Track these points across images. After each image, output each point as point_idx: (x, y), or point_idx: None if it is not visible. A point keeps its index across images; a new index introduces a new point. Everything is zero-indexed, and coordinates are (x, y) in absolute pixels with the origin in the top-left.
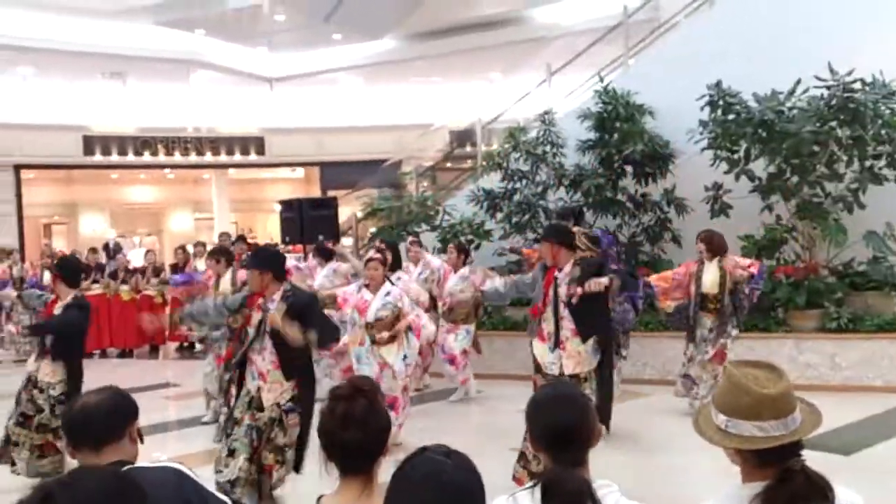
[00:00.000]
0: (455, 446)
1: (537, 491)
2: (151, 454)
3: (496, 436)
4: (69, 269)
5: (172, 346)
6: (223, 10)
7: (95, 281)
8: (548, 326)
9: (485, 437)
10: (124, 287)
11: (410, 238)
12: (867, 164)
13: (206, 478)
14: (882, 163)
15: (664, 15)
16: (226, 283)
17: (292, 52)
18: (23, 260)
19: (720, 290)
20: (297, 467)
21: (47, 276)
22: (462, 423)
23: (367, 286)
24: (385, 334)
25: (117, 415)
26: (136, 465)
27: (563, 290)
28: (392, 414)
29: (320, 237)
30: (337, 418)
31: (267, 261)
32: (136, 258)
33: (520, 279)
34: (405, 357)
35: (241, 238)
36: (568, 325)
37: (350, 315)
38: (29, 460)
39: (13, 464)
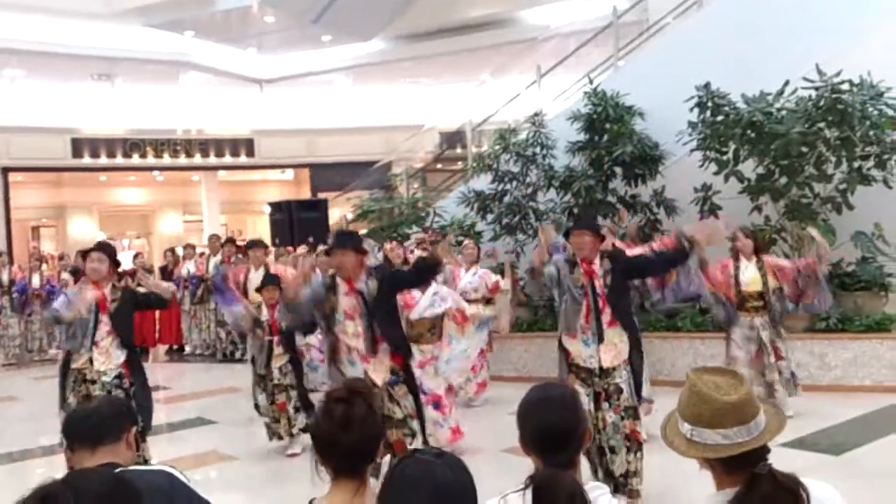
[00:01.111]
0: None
1: (528, 493)
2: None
3: (489, 438)
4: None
5: (162, 348)
6: (213, 12)
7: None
8: (585, 321)
9: (478, 438)
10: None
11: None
12: (855, 164)
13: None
14: (870, 163)
15: (653, 17)
16: (258, 275)
17: (282, 53)
18: (11, 263)
19: (764, 287)
20: (422, 427)
21: (36, 280)
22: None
23: None
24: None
25: (117, 416)
26: (127, 468)
27: (598, 283)
28: (437, 413)
29: (310, 239)
30: (336, 420)
31: (355, 240)
32: (125, 261)
33: (550, 280)
34: (466, 349)
35: (230, 241)
36: (607, 317)
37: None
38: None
39: None
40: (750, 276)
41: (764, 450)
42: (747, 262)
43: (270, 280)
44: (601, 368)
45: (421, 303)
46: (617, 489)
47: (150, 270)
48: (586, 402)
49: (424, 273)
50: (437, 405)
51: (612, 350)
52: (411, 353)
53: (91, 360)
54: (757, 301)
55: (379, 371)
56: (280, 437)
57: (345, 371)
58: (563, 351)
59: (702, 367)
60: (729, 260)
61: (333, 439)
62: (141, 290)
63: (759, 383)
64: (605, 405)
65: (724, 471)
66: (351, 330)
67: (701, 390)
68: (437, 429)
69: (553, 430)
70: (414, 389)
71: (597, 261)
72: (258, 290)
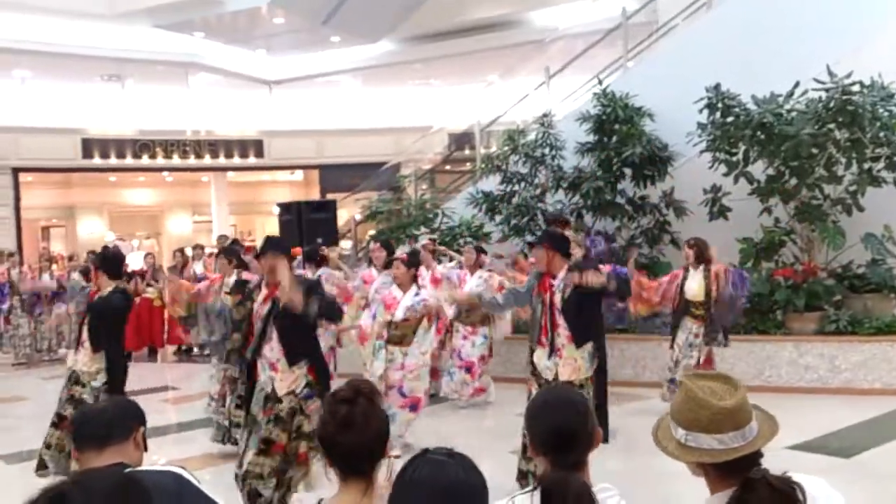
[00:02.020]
0: (456, 448)
1: (537, 495)
2: (150, 457)
3: (497, 438)
4: (110, 262)
5: (171, 349)
6: (222, 13)
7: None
8: (543, 334)
9: (485, 439)
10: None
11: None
12: (865, 166)
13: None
14: (880, 165)
15: (662, 18)
16: (229, 284)
17: (291, 54)
18: (21, 263)
19: (706, 297)
20: None
21: (46, 279)
22: (463, 426)
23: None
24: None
25: (125, 416)
26: (135, 468)
27: (557, 298)
28: (412, 414)
29: (318, 240)
30: (339, 421)
31: (285, 248)
32: (134, 261)
33: (515, 289)
34: (423, 349)
35: (235, 241)
36: (563, 332)
37: (375, 308)
38: (58, 460)
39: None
40: (695, 285)
41: (757, 454)
42: (694, 271)
43: (243, 284)
44: (557, 380)
45: (402, 303)
46: None
47: (159, 270)
48: None
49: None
50: (414, 407)
51: (571, 364)
52: (325, 366)
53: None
54: (699, 309)
55: (286, 381)
56: (235, 442)
57: (258, 376)
58: (532, 362)
59: (696, 373)
60: (680, 270)
61: (337, 440)
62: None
63: (670, 389)
64: None
65: (718, 476)
66: (265, 336)
67: (697, 395)
68: (409, 428)
69: (560, 432)
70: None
71: (560, 274)
72: (229, 293)
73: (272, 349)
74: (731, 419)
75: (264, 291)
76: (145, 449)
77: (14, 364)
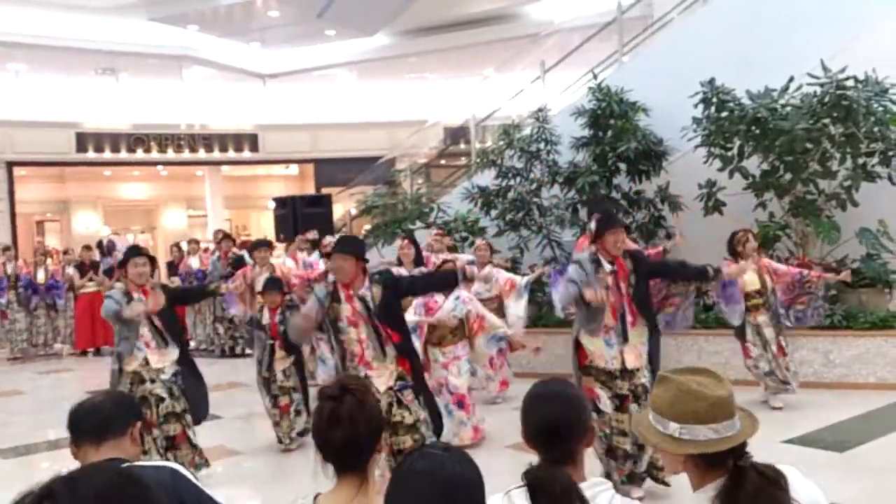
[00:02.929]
0: (454, 443)
1: None
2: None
3: (494, 433)
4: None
5: None
6: (216, 6)
7: (90, 279)
8: (610, 321)
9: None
10: (119, 285)
11: (479, 242)
12: (860, 161)
13: (203, 476)
14: (875, 160)
15: (658, 12)
16: (260, 281)
17: (285, 48)
18: (16, 258)
19: (762, 285)
20: (437, 432)
21: (41, 274)
22: None
23: None
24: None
25: (122, 411)
26: (132, 463)
27: (625, 284)
28: (462, 413)
29: (313, 232)
30: (325, 418)
31: (357, 247)
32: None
33: (577, 278)
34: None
35: (227, 236)
36: (629, 318)
37: (415, 310)
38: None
39: None
40: (749, 279)
41: (744, 445)
42: (745, 262)
43: (273, 284)
44: (624, 370)
45: (445, 307)
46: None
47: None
48: (608, 405)
49: (437, 286)
50: (462, 404)
51: (634, 351)
52: (418, 356)
53: (146, 360)
54: (756, 299)
55: (383, 377)
56: (278, 440)
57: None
58: (578, 353)
59: (678, 368)
60: (730, 260)
61: (325, 436)
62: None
63: (772, 379)
64: (634, 406)
65: (706, 468)
66: (354, 336)
67: (691, 388)
68: (462, 428)
69: (550, 425)
70: (426, 393)
71: (624, 262)
72: (260, 293)
73: (367, 347)
74: (724, 409)
75: (342, 292)
76: (142, 444)
77: (10, 359)
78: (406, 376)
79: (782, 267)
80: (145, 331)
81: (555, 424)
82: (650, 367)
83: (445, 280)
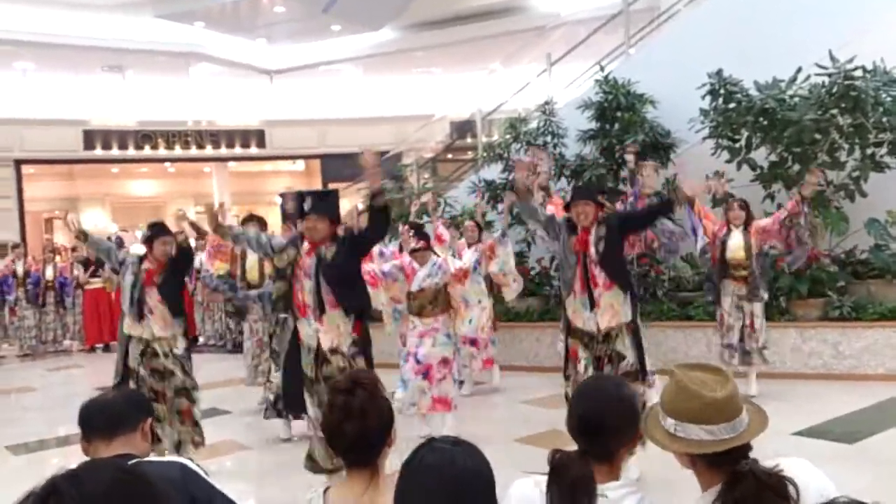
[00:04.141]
0: (462, 436)
1: None
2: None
3: (502, 427)
4: None
5: None
6: (223, 3)
7: (96, 275)
8: (580, 286)
9: (490, 428)
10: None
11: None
12: (868, 151)
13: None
14: (883, 150)
15: (664, 3)
16: (253, 257)
17: (292, 44)
18: (25, 255)
19: (746, 255)
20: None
21: (50, 272)
22: (469, 414)
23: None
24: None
25: (133, 406)
26: (141, 459)
27: (592, 251)
28: (424, 382)
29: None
30: (336, 412)
31: (332, 208)
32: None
33: (540, 209)
34: (470, 321)
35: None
36: (600, 281)
37: (391, 269)
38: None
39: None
40: (736, 242)
41: (747, 447)
42: (735, 230)
43: None
44: (601, 333)
45: (419, 273)
46: None
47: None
48: (583, 367)
49: (378, 227)
50: (426, 375)
51: (609, 311)
52: (369, 319)
53: (153, 333)
54: (740, 270)
55: (329, 334)
56: (281, 415)
57: (301, 327)
58: (565, 314)
59: (688, 363)
60: (722, 225)
61: (337, 430)
62: None
63: (734, 351)
64: (607, 368)
65: (707, 468)
66: (307, 288)
67: (688, 386)
68: (422, 396)
69: (591, 422)
70: (369, 360)
71: (593, 230)
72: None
73: (317, 300)
74: (721, 411)
75: (306, 245)
76: (153, 440)
77: (20, 355)
78: (358, 340)
79: (768, 221)
80: (153, 295)
81: (596, 423)
82: (632, 333)
83: (384, 217)
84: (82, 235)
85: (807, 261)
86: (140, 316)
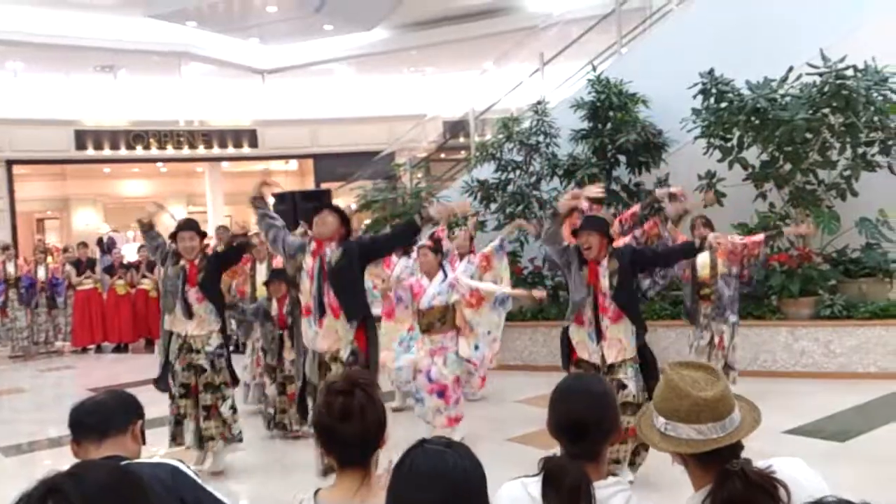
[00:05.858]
0: (454, 437)
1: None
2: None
3: (494, 427)
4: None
5: None
6: (214, 2)
7: (87, 276)
8: (591, 316)
9: (483, 427)
10: (120, 282)
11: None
12: (860, 151)
13: (206, 470)
14: (874, 150)
15: (656, 3)
16: (263, 267)
17: (284, 43)
18: (17, 256)
19: (710, 274)
20: None
21: (42, 273)
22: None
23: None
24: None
25: (124, 408)
26: (132, 461)
27: (605, 283)
28: (440, 401)
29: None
30: (335, 412)
31: (343, 211)
32: (129, 252)
33: (562, 232)
34: (477, 347)
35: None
36: (609, 315)
37: (402, 294)
38: (195, 428)
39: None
40: (702, 261)
41: (738, 446)
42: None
43: (277, 274)
44: (605, 364)
45: (429, 291)
46: None
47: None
48: None
49: (399, 238)
50: (442, 394)
51: (617, 346)
52: (374, 329)
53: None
54: (705, 289)
55: (326, 339)
56: (282, 427)
57: (304, 330)
58: (568, 344)
59: (679, 362)
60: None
61: (333, 430)
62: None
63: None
64: None
65: (698, 467)
66: (308, 289)
67: (678, 385)
68: (437, 415)
69: (575, 420)
70: (375, 367)
71: (604, 262)
72: (265, 283)
73: (322, 304)
74: (710, 410)
75: (313, 245)
76: (143, 442)
77: (11, 357)
78: (358, 351)
79: (737, 243)
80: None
81: (579, 421)
82: (638, 364)
83: (405, 231)
84: (150, 227)
85: (798, 259)
86: (189, 314)
